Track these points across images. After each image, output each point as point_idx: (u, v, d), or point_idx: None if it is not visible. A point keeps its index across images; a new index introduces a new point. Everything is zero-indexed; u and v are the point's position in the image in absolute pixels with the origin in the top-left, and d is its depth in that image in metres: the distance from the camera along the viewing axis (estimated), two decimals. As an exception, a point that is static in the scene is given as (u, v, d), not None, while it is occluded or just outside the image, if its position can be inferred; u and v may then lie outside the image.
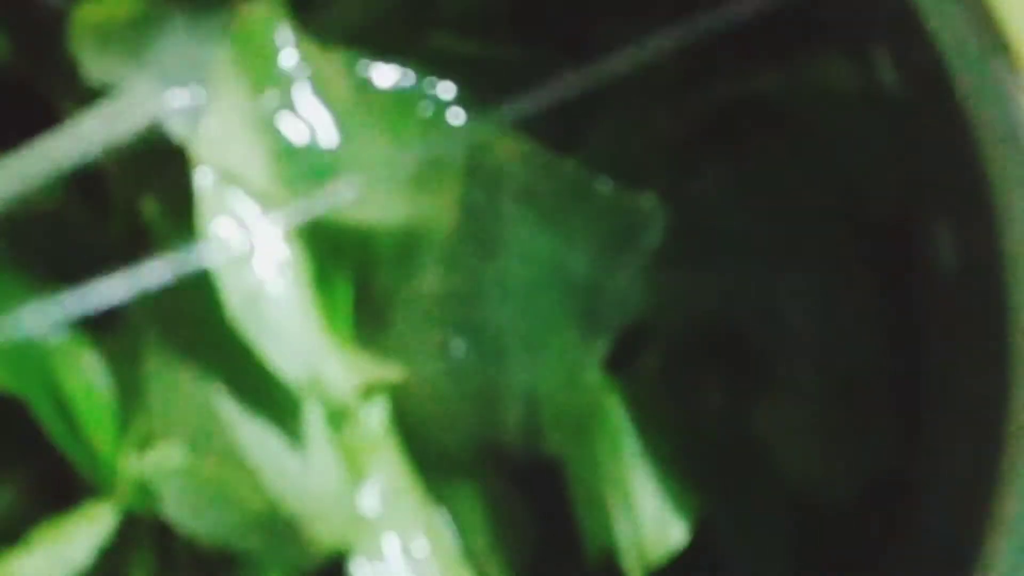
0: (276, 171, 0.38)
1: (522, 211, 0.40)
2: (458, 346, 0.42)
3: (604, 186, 0.40)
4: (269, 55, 0.39)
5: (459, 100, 0.41)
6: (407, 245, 0.41)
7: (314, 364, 0.37)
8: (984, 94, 0.35)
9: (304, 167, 0.39)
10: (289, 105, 0.39)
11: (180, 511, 0.39)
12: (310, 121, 0.39)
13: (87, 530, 0.39)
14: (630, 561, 0.43)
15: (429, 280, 0.41)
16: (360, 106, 0.40)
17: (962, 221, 0.37)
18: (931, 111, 0.37)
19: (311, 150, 0.39)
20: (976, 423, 0.37)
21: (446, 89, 0.41)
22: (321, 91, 0.39)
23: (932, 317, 0.41)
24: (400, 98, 0.40)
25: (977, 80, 0.35)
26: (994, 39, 0.35)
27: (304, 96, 0.39)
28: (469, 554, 0.44)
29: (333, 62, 0.40)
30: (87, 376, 0.40)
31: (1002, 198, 0.35)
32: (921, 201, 0.40)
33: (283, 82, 0.39)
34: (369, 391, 0.40)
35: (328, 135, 0.39)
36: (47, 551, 0.38)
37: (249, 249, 0.37)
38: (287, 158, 0.39)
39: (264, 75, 0.38)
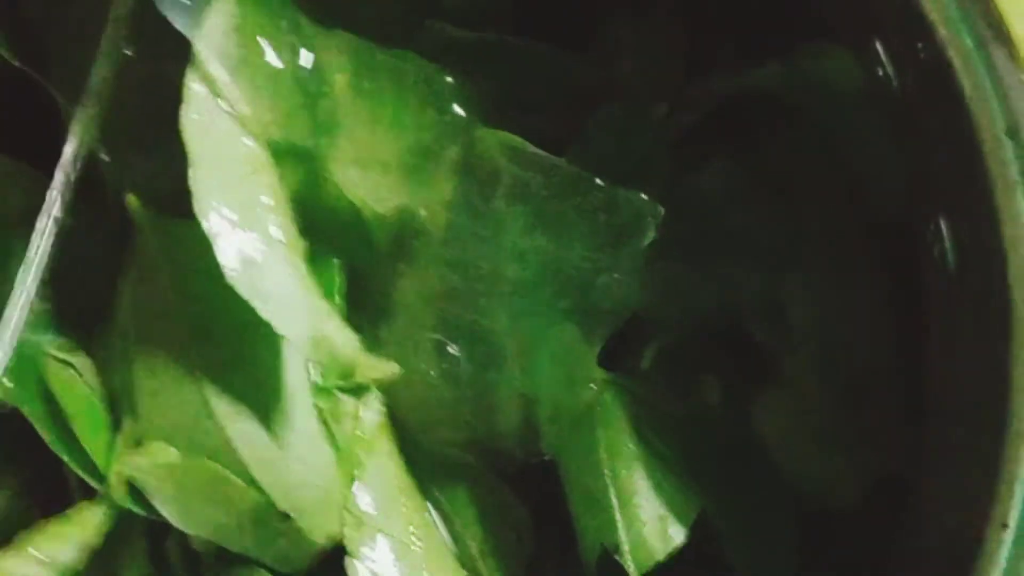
0: (261, 97, 0.38)
1: (516, 209, 0.40)
2: (453, 347, 0.41)
3: (598, 184, 0.40)
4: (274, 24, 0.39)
5: (457, 89, 0.41)
6: (402, 238, 0.41)
7: (317, 325, 0.37)
8: (985, 89, 0.34)
9: (288, 101, 0.39)
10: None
11: (172, 509, 0.39)
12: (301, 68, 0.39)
13: (78, 530, 0.39)
14: (630, 560, 0.42)
15: (425, 280, 0.41)
16: (358, 89, 0.40)
17: (964, 217, 0.37)
18: (933, 106, 0.36)
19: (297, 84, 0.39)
20: (979, 424, 0.37)
21: (444, 78, 0.40)
22: (320, 70, 0.39)
23: (935, 315, 0.41)
24: (398, 85, 0.40)
25: (978, 75, 0.34)
26: (995, 33, 0.34)
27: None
28: (464, 554, 0.44)
29: (334, 44, 0.40)
30: (78, 379, 0.40)
31: (1004, 194, 0.34)
32: (923, 197, 0.40)
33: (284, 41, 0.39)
34: (364, 389, 0.40)
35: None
36: (39, 551, 0.37)
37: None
38: (274, 89, 0.38)
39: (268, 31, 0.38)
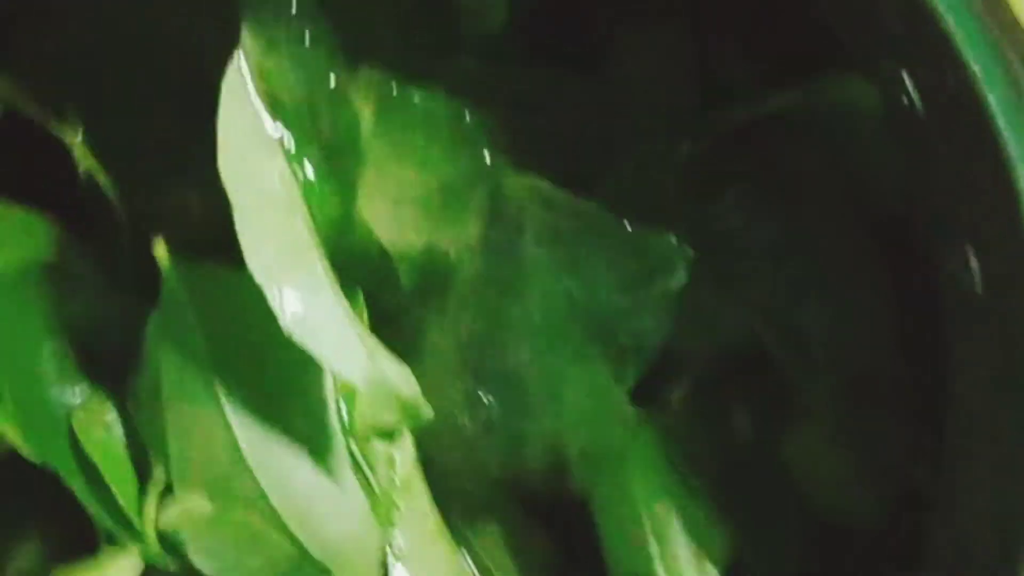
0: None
1: (544, 252, 0.40)
2: (486, 395, 0.41)
3: (626, 228, 0.40)
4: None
5: (481, 123, 0.41)
6: (429, 280, 0.41)
7: (373, 364, 0.37)
8: (1018, 119, 0.34)
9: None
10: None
11: (207, 561, 0.39)
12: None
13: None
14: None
15: (454, 327, 0.41)
16: (385, 124, 0.40)
17: (992, 246, 0.37)
18: (960, 136, 0.36)
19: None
20: (1002, 446, 0.37)
21: (474, 119, 0.40)
22: (345, 105, 0.39)
23: (957, 338, 0.41)
24: (427, 123, 0.40)
25: (1010, 105, 0.34)
26: (1020, 56, 0.34)
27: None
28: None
29: (360, 79, 0.39)
30: (107, 431, 0.40)
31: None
32: (948, 224, 0.40)
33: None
34: (397, 433, 0.40)
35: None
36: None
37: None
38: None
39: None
